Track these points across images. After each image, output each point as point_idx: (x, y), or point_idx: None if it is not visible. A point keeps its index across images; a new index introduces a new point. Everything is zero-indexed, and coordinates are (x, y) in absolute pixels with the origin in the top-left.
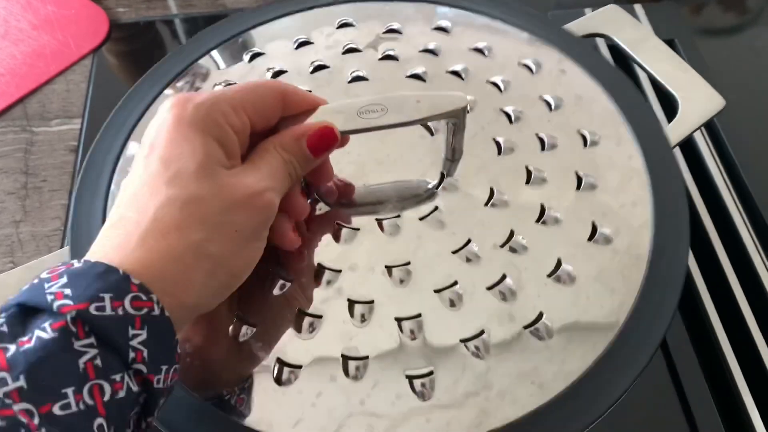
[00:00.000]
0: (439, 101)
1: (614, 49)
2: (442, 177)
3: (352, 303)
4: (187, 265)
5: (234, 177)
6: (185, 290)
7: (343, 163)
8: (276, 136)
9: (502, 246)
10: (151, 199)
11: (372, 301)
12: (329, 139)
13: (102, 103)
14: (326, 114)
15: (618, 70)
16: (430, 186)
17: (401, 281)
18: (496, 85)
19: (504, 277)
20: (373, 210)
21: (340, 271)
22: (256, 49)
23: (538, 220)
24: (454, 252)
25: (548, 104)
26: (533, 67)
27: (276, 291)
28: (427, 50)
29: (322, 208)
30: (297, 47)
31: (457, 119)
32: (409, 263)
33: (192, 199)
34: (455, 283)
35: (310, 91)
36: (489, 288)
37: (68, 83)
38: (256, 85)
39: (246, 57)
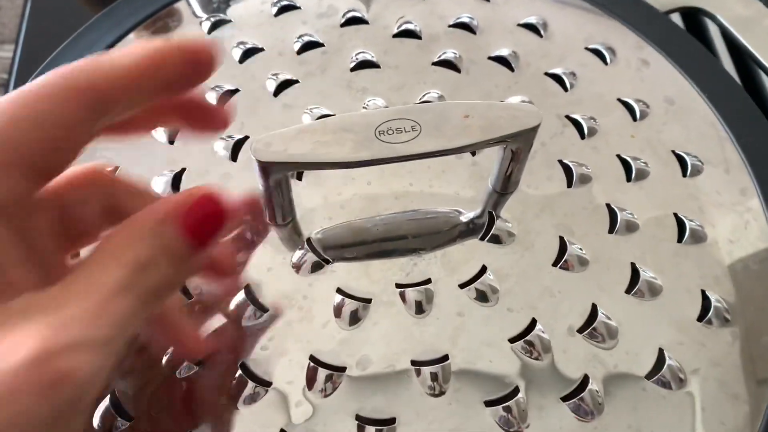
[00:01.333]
0: (499, 117)
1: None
2: (491, 220)
3: (362, 423)
4: None
5: None
6: None
7: (342, 197)
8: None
9: (580, 331)
10: None
11: (393, 421)
12: (215, 215)
13: (43, 25)
14: (328, 133)
15: (716, 62)
16: (469, 231)
17: (436, 388)
18: (558, 79)
19: (586, 381)
20: (389, 266)
21: (343, 369)
22: (219, 15)
23: (629, 290)
24: (513, 340)
25: (631, 111)
26: (606, 55)
27: (243, 406)
28: (459, 24)
29: (307, 259)
30: (277, 13)
31: (521, 144)
32: (446, 358)
33: None
34: (516, 391)
35: (296, 83)
36: (565, 399)
37: None
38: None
39: (205, 25)
